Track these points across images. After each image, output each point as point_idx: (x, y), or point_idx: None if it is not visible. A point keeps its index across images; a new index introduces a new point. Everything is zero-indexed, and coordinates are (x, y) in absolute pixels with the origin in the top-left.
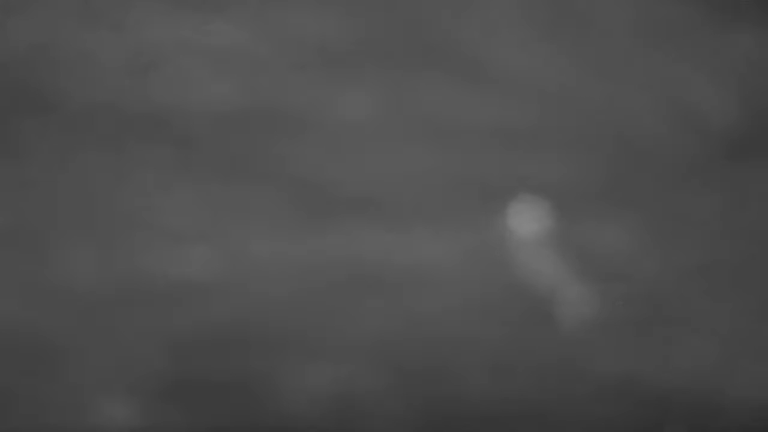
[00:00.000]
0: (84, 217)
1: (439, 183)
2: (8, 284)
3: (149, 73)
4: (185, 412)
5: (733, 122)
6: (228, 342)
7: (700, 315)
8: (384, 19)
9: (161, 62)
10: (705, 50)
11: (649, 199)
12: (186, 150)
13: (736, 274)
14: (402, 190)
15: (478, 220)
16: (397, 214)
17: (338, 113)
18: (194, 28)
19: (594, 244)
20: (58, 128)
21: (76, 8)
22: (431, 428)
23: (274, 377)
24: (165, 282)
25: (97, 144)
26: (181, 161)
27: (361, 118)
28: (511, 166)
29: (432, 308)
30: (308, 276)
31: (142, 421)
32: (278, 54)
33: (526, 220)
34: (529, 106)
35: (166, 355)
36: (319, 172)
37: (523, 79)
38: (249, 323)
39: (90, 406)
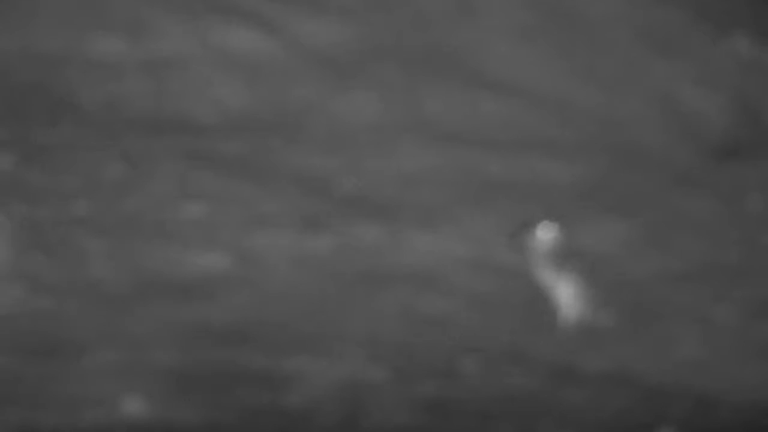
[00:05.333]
0: (99, 216)
1: (440, 185)
2: (22, 282)
3: (163, 78)
4: (195, 406)
5: (727, 127)
6: (236, 338)
7: (696, 316)
8: (388, 26)
9: (175, 67)
10: (699, 57)
11: (644, 203)
12: (196, 152)
13: (730, 275)
14: (405, 192)
15: (478, 221)
16: (401, 214)
17: (344, 116)
18: (207, 35)
19: (591, 246)
20: (75, 131)
21: (93, 14)
22: (432, 423)
23: (280, 372)
24: (175, 280)
25: (111, 145)
26: (192, 163)
27: (366, 121)
28: (510, 170)
29: (433, 307)
30: (314, 274)
31: (154, 413)
32: (284, 59)
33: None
34: (528, 112)
35: (177, 350)
36: (325, 173)
37: (523, 86)
38: (256, 321)
39: (104, 398)
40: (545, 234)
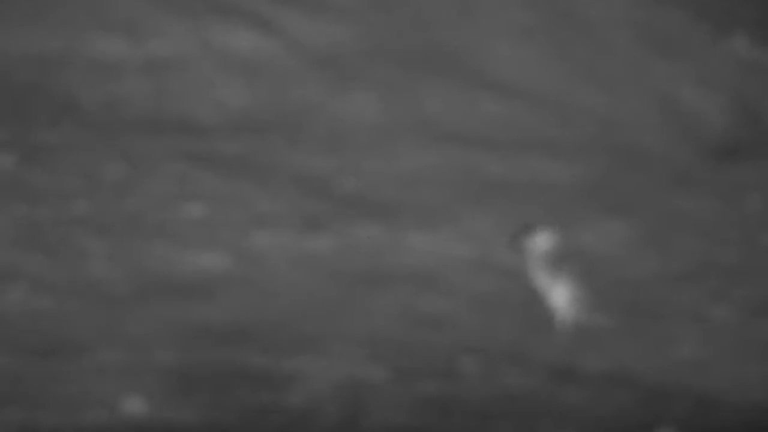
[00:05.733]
0: (99, 216)
1: (440, 185)
2: (24, 282)
3: (163, 78)
4: (195, 406)
5: (727, 127)
6: (236, 338)
7: (695, 316)
8: (388, 26)
9: (175, 68)
10: (699, 57)
11: (644, 203)
12: (196, 152)
13: (729, 275)
14: (404, 192)
15: (478, 221)
16: (401, 214)
17: (344, 116)
18: (207, 36)
19: (590, 246)
20: (75, 131)
21: (93, 14)
22: (432, 423)
23: (280, 372)
24: (175, 280)
25: (111, 145)
26: (192, 163)
27: (366, 121)
28: (510, 170)
29: (433, 307)
30: (314, 274)
31: (154, 413)
32: (284, 59)
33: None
34: (528, 112)
35: (177, 350)
36: (325, 173)
37: (523, 86)
38: (256, 321)
39: (104, 398)
40: (545, 235)
